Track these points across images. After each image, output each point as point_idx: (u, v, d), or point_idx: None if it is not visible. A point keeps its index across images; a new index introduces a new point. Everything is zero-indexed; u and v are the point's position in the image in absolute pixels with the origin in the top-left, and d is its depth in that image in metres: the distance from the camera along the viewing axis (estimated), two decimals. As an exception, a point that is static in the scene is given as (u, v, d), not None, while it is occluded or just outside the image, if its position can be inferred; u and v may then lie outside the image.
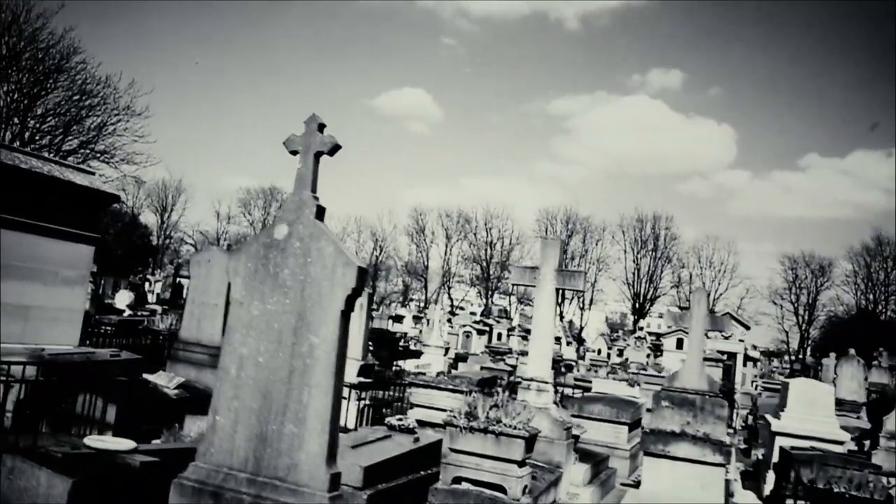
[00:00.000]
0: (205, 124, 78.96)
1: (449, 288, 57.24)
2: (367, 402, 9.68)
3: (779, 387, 27.18)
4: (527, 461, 6.70)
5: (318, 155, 3.77)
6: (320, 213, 3.72)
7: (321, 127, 3.78)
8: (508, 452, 6.45)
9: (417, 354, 24.00)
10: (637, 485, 10.53)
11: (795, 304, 55.13)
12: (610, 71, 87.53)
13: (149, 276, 39.44)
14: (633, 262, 54.40)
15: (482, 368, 21.94)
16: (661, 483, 8.30)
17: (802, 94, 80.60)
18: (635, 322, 54.21)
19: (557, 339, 38.64)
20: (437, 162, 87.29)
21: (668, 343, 25.45)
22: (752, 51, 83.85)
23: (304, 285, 3.64)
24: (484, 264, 56.43)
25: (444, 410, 9.85)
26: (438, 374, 16.77)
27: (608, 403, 11.61)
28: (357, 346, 9.43)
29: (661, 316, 63.76)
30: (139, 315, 22.84)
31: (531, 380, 8.36)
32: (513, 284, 9.84)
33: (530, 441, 6.59)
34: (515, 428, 6.45)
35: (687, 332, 23.73)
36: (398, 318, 43.38)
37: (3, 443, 5.12)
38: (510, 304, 59.32)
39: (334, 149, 3.76)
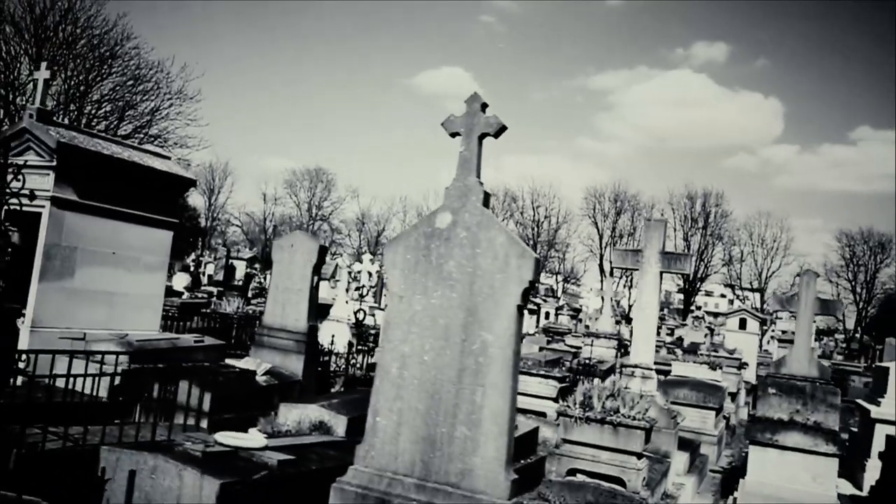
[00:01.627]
0: (247, 106, 79.35)
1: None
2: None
3: (846, 367, 26.46)
4: (644, 453, 6.43)
5: (481, 137, 3.48)
6: (487, 199, 3.46)
7: (483, 107, 3.49)
8: (627, 444, 6.18)
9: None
10: (725, 471, 10.20)
11: (853, 283, 53.62)
12: (652, 45, 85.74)
13: (201, 258, 39.80)
14: (684, 239, 53.36)
15: (541, 349, 21.64)
16: (769, 473, 7.96)
17: (853, 63, 77.92)
18: (686, 301, 53.34)
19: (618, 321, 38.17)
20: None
21: (731, 323, 24.84)
22: (800, 20, 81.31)
23: (472, 278, 3.38)
24: (531, 243, 55.92)
25: (535, 397, 9.65)
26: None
27: (694, 388, 11.25)
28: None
29: (708, 294, 62.70)
30: (197, 297, 23.00)
31: (635, 366, 8.06)
32: (615, 268, 9.46)
33: (649, 432, 6.31)
34: (634, 418, 6.17)
35: (751, 313, 23.05)
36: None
37: (103, 435, 5.02)
38: (556, 283, 58.85)
39: (500, 130, 3.48)
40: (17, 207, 5.47)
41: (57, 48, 27.46)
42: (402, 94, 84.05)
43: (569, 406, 6.39)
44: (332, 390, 10.16)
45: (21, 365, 5.37)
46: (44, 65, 9.57)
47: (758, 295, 54.29)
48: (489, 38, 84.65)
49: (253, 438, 4.51)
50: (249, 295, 25.58)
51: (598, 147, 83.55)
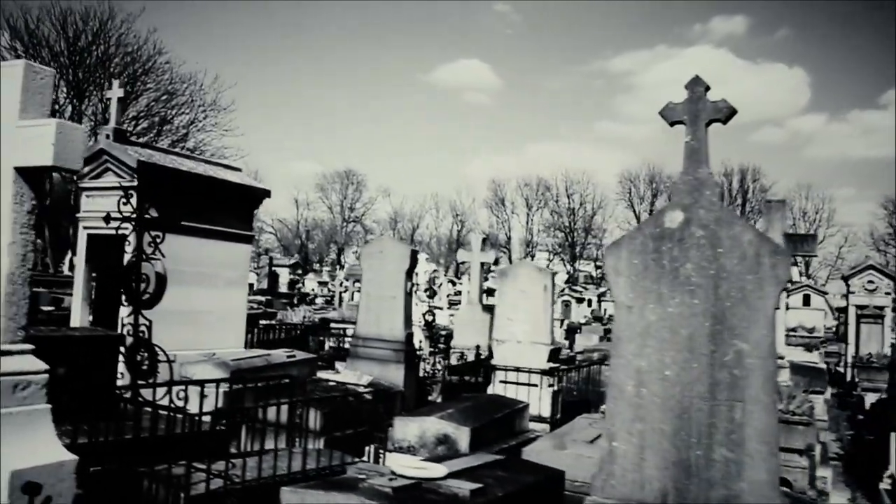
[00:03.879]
0: (270, 113, 79.52)
1: (532, 257, 56.40)
2: (556, 387, 9.15)
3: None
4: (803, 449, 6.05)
5: (709, 123, 3.12)
6: (721, 193, 3.08)
7: (707, 90, 3.13)
8: (789, 441, 5.81)
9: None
10: (841, 458, 9.74)
11: (905, 250, 52.30)
12: (669, 23, 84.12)
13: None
14: (723, 217, 52.36)
15: (601, 339, 21.15)
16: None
17: (879, 25, 75.53)
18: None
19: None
20: (500, 131, 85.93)
21: (794, 300, 24.15)
22: (821, -15, 79.27)
23: (716, 281, 3.03)
24: (567, 231, 55.38)
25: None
26: (583, 350, 16.16)
27: (796, 371, 10.80)
28: (545, 329, 8.90)
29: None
30: (252, 308, 22.87)
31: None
32: None
33: (808, 426, 5.93)
34: (794, 413, 5.81)
35: (815, 289, 22.31)
36: (490, 292, 42.87)
37: (244, 469, 4.73)
38: (595, 270, 58.21)
39: (731, 114, 3.12)
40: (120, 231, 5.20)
41: (92, 70, 27.52)
42: (421, 90, 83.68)
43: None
44: (430, 398, 9.88)
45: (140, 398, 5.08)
46: (116, 83, 9.36)
47: (796, 269, 53.16)
48: (504, 28, 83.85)
49: (433, 468, 4.20)
50: (307, 302, 25.39)
51: (621, 130, 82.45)
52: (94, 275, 9.04)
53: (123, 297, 4.15)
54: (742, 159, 68.94)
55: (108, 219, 4.64)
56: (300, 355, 9.84)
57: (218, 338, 9.65)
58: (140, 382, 5.37)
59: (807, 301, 23.49)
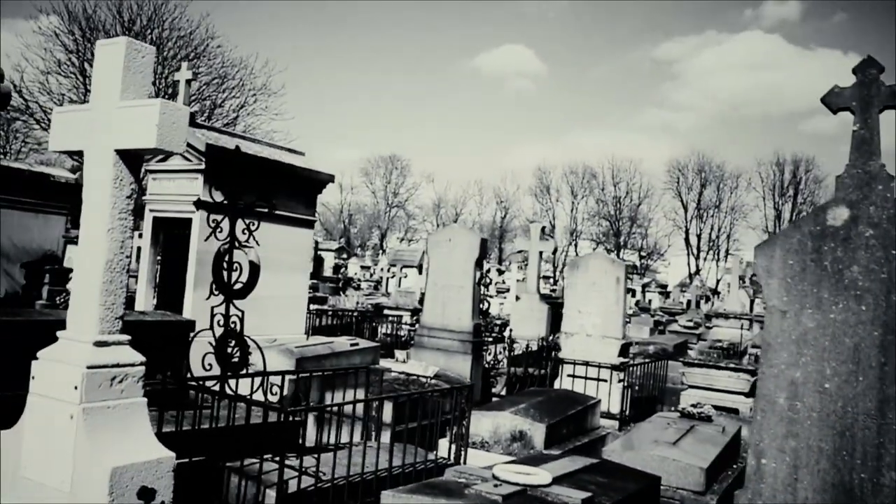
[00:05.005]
0: (315, 99, 79.77)
1: (576, 246, 55.81)
2: (625, 383, 8.85)
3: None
4: None
5: (881, 110, 2.80)
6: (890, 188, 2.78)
7: (881, 72, 2.80)
8: None
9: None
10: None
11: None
12: (720, 7, 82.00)
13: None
14: (774, 208, 51.16)
15: (652, 332, 20.66)
16: None
17: (944, 11, 72.63)
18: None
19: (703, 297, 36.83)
20: (544, 118, 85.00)
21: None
22: (881, -32, 76.37)
23: (889, 286, 2.72)
24: (612, 220, 54.59)
25: (725, 391, 8.94)
26: (631, 343, 15.75)
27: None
28: (616, 323, 8.59)
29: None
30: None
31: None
32: None
33: None
34: None
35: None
36: (546, 279, 42.50)
37: (334, 466, 4.54)
38: (638, 260, 57.36)
39: (907, 100, 2.78)
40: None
41: (147, 52, 27.70)
42: (466, 76, 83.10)
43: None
44: (493, 391, 9.66)
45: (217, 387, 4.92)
46: (184, 65, 9.27)
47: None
48: (550, 13, 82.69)
49: (539, 473, 3.96)
50: (354, 287, 25.37)
51: (668, 117, 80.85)
52: (158, 258, 9.00)
53: (213, 286, 3.98)
54: (794, 148, 67.24)
55: (198, 204, 4.48)
56: (363, 343, 9.70)
57: (280, 324, 9.57)
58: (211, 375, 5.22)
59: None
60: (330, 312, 15.42)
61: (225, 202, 4.24)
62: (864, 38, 77.07)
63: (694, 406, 7.54)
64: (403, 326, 14.17)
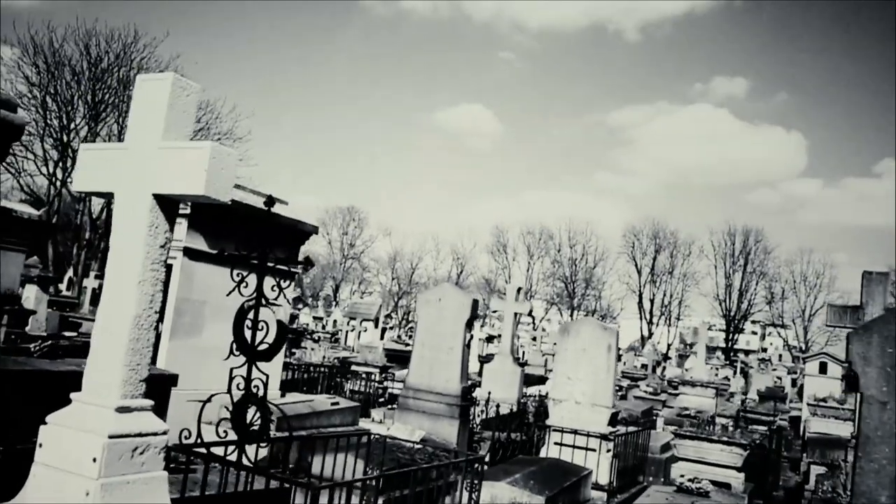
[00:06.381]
0: (272, 142, 79.47)
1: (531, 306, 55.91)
2: (613, 452, 8.61)
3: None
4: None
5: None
6: None
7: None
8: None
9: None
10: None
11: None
12: (671, 80, 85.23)
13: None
14: (725, 276, 52.31)
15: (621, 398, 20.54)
16: None
17: (877, 95, 76.60)
18: (728, 340, 52.09)
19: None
20: (500, 176, 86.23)
21: (811, 367, 23.67)
22: (820, 53, 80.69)
23: None
24: (567, 282, 55.02)
25: (717, 465, 8.76)
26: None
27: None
28: (607, 392, 8.40)
29: (754, 333, 61.43)
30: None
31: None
32: (830, 325, 8.58)
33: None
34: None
35: (832, 356, 22.04)
36: (490, 339, 42.28)
37: None
38: (592, 322, 57.63)
39: None
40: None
41: (112, 91, 27.22)
42: (424, 131, 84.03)
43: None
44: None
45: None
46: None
47: (790, 332, 53.00)
48: (509, 75, 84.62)
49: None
50: (312, 339, 24.72)
51: (620, 182, 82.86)
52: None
53: (234, 346, 3.66)
54: (737, 219, 69.37)
55: (221, 255, 4.19)
56: (343, 402, 9.29)
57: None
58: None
59: (823, 369, 23.01)
60: (295, 366, 14.87)
61: (251, 256, 3.95)
62: (804, 117, 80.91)
63: (691, 481, 7.35)
64: (372, 384, 13.73)
